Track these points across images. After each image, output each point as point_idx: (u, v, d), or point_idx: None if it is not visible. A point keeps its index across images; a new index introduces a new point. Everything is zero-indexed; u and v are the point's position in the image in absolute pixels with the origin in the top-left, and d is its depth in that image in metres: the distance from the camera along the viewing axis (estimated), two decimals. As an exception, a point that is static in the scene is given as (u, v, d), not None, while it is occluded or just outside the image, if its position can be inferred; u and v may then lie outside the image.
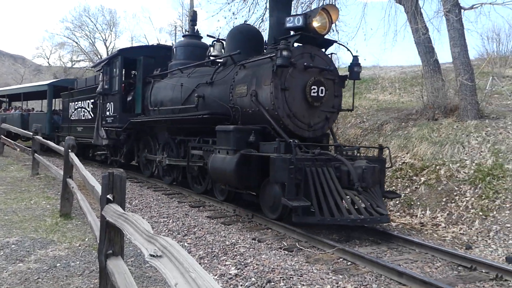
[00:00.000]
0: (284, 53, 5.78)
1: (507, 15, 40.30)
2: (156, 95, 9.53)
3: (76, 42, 34.99)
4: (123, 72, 10.79)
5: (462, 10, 9.55)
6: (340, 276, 3.95)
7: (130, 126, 9.94)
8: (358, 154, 6.55)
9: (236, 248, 4.78)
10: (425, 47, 10.34)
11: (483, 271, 4.23)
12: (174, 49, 9.78)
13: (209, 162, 6.54)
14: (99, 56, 34.70)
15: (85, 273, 3.78)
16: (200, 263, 4.23)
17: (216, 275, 3.95)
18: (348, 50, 6.92)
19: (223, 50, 8.22)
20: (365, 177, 5.37)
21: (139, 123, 9.76)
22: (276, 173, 5.28)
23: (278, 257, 4.47)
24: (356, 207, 5.20)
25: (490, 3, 9.91)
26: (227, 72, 7.26)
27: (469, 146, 7.90)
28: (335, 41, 7.02)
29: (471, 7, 9.83)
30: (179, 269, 1.52)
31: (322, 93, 6.40)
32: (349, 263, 4.38)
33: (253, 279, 3.83)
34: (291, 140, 5.46)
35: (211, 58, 8.36)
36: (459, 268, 4.39)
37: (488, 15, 19.75)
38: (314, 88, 6.30)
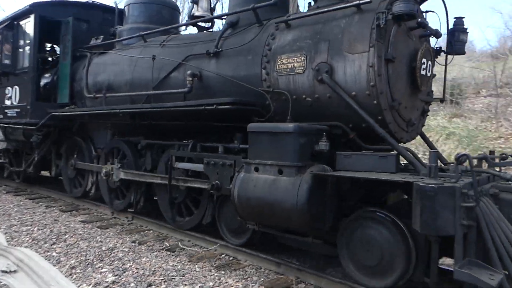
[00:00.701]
0: None
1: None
2: (98, 75, 6.51)
3: None
4: (38, 40, 7.23)
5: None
6: (223, 272, 4.01)
7: (51, 122, 6.93)
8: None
9: (114, 253, 4.49)
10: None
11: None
12: (127, 7, 6.67)
13: (234, 187, 3.85)
14: None
15: None
16: (71, 274, 3.84)
17: (90, 284, 3.63)
18: (445, 7, 4.23)
19: (211, 11, 5.91)
20: None
21: (68, 118, 6.83)
22: (435, 217, 2.71)
23: (160, 259, 4.34)
24: None
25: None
26: (251, 35, 4.58)
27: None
28: None
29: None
30: (38, 283, 1.35)
31: (429, 71, 4.15)
32: (231, 258, 4.46)
33: (132, 284, 3.64)
34: (464, 153, 2.89)
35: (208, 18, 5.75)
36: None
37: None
38: (424, 63, 3.99)
